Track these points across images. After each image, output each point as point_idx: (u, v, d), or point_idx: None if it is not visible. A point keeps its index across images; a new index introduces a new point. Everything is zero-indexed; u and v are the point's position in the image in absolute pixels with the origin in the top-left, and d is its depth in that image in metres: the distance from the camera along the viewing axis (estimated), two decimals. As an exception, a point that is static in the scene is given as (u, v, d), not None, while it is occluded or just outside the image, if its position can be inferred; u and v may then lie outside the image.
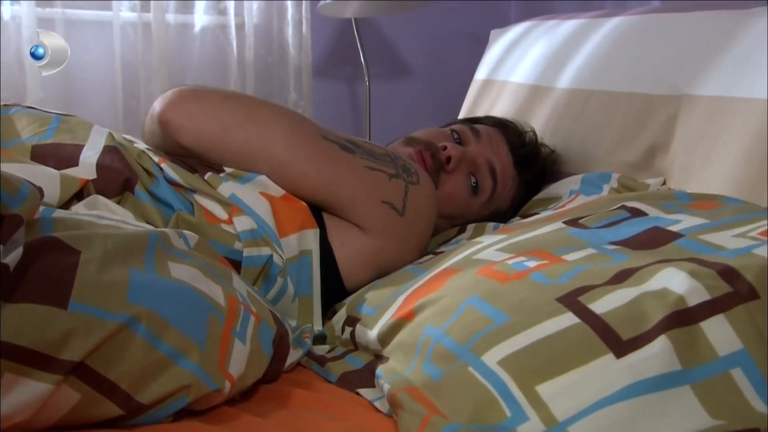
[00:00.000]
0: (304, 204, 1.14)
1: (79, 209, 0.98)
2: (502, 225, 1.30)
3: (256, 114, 1.15)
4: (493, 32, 2.03)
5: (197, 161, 1.15)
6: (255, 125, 1.13)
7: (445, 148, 1.39)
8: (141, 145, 1.17)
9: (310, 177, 1.13)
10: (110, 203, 1.02)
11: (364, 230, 1.15)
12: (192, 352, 0.76)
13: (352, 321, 1.01)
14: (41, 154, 1.07)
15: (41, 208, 0.84)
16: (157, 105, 1.15)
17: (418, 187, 1.19)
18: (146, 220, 1.03)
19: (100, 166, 1.06)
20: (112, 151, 1.09)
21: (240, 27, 2.29)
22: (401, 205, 1.16)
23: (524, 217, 1.36)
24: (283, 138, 1.13)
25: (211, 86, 1.21)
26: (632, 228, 0.84)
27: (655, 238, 0.78)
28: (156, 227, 0.98)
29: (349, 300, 1.11)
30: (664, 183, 1.34)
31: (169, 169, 1.10)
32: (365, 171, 1.15)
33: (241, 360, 0.82)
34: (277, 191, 1.13)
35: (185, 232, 0.94)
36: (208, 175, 1.12)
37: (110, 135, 1.14)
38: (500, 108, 1.77)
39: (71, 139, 1.11)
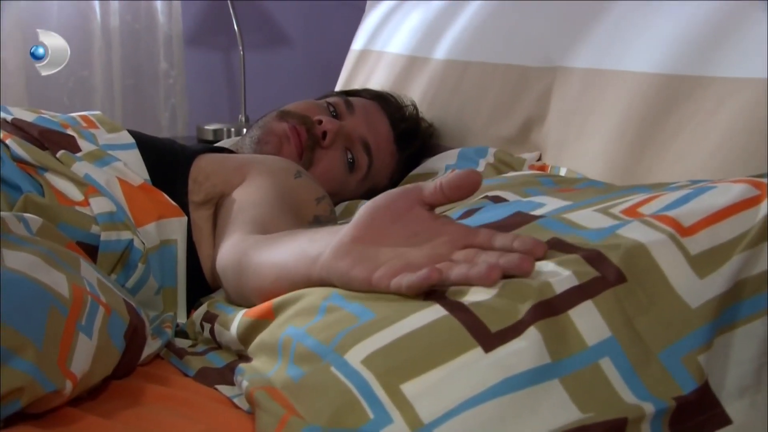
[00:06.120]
0: (164, 195, 1.07)
1: None
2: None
3: None
4: (369, 1, 1.98)
5: (50, 137, 1.05)
6: None
7: (320, 122, 1.34)
8: None
9: None
10: None
11: None
12: (26, 350, 0.68)
13: (210, 317, 0.95)
14: None
15: None
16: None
17: None
18: None
19: None
20: None
21: (103, -10, 2.17)
22: None
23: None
24: None
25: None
26: (493, 213, 0.81)
27: (519, 223, 0.75)
28: (-1, 212, 0.89)
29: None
30: (539, 158, 1.33)
31: (16, 146, 1.01)
32: None
33: (86, 356, 0.74)
34: (135, 180, 1.06)
35: (27, 215, 0.85)
36: (60, 153, 1.03)
37: None
38: (377, 79, 1.74)
39: None
